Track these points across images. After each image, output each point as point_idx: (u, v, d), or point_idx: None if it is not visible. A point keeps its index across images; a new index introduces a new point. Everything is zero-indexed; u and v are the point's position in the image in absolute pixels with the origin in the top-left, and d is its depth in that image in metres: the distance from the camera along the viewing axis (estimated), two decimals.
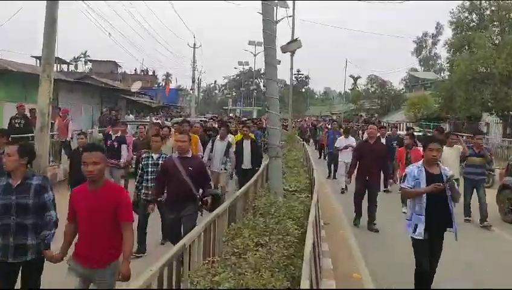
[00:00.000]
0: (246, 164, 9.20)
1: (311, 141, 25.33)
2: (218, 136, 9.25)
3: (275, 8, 9.41)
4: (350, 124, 23.56)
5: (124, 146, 8.95)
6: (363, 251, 6.37)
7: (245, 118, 23.94)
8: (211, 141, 9.29)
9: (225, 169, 8.90)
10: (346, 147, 11.22)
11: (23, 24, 50.54)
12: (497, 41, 22.73)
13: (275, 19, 7.77)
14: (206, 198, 5.07)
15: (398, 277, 5.25)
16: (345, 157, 10.91)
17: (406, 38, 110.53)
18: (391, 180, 9.07)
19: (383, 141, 10.48)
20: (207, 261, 3.22)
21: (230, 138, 9.59)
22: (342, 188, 11.00)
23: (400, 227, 7.63)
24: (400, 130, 23.39)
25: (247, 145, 9.33)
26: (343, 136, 11.89)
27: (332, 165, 13.36)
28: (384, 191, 10.15)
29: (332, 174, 13.36)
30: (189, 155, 5.18)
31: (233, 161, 9.03)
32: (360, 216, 7.80)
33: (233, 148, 9.18)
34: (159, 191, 5.38)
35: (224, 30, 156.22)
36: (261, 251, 3.28)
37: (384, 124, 21.64)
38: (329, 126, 19.41)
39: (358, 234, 7.32)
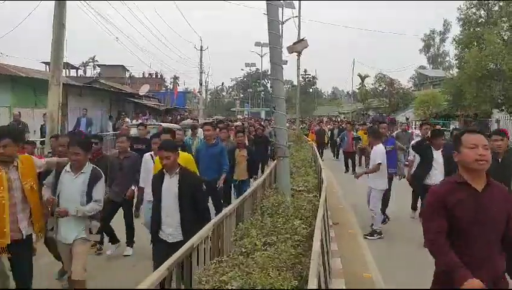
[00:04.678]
0: (165, 227, 4.27)
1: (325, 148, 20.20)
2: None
3: (280, 8, 9.31)
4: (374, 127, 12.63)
5: None
6: (372, 250, 6.35)
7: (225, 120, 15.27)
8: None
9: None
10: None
11: (32, 30, 51.12)
12: (506, 37, 22.48)
13: (280, 19, 7.71)
14: None
15: (407, 276, 5.23)
16: (378, 181, 7.06)
17: (414, 37, 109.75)
18: None
19: (439, 155, 6.59)
20: (215, 261, 3.24)
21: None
22: (378, 235, 7.00)
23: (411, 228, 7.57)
24: (412, 128, 21.42)
25: (171, 185, 4.25)
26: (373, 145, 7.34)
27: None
28: None
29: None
30: None
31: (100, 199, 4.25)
32: None
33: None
34: None
35: (231, 32, 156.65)
36: (268, 251, 3.29)
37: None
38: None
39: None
